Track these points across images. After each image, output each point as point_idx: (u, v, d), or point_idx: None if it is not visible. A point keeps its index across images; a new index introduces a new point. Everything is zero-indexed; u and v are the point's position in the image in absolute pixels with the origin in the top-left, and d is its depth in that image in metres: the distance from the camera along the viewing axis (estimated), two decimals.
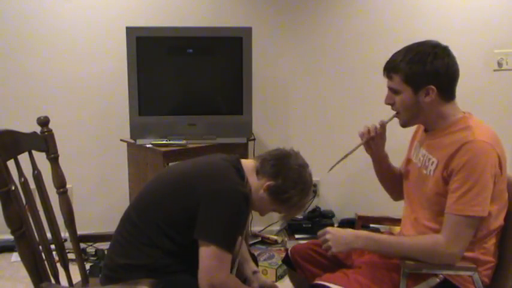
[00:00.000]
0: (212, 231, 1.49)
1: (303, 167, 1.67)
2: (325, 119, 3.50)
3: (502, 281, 1.64)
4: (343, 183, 3.54)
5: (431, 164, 1.65)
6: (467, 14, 3.40)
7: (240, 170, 1.63)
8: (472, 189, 1.51)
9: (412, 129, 1.89)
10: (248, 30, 2.93)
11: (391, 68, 1.66)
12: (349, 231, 1.65)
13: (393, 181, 1.93)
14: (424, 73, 1.60)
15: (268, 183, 1.62)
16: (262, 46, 3.27)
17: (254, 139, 3.18)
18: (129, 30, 2.83)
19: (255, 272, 1.82)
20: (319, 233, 1.67)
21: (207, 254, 1.48)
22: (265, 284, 1.81)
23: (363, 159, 3.45)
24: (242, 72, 2.93)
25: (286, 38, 3.40)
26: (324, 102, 3.48)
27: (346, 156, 1.83)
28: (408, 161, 1.85)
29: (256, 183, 1.64)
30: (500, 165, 1.57)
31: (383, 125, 1.81)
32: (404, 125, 1.73)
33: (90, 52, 3.23)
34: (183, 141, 2.83)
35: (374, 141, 1.83)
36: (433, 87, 1.60)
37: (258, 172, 1.65)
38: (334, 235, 1.61)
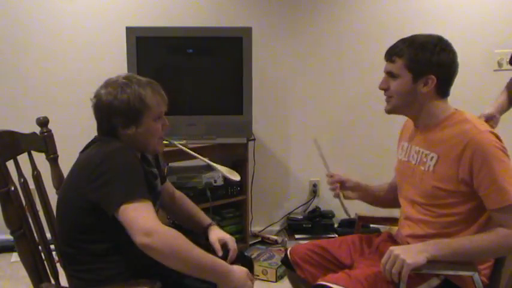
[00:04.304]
0: (115, 196, 1.41)
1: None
2: (325, 118, 3.50)
3: (499, 280, 1.64)
4: None
5: (430, 160, 1.64)
6: (467, 14, 3.40)
7: (105, 140, 1.57)
8: (504, 178, 1.50)
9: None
10: (248, 30, 2.93)
11: (396, 52, 1.65)
12: (413, 244, 1.58)
13: (384, 200, 1.99)
14: (429, 62, 1.60)
15: (123, 131, 1.56)
16: (262, 46, 3.28)
17: (254, 139, 3.18)
18: (129, 30, 2.84)
19: (209, 225, 1.84)
20: (384, 258, 1.51)
21: (126, 215, 1.38)
22: (222, 238, 1.79)
23: (363, 159, 3.46)
24: (242, 72, 2.93)
25: (286, 38, 3.40)
26: (324, 102, 3.48)
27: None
28: (399, 162, 1.85)
29: (128, 134, 1.57)
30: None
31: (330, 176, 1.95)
32: (391, 110, 1.71)
33: (90, 52, 3.24)
34: (183, 141, 2.82)
35: (346, 187, 1.93)
36: (433, 77, 1.61)
37: (117, 131, 1.57)
38: (402, 249, 1.52)
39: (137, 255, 1.39)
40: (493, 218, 1.55)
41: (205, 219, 1.89)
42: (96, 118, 1.63)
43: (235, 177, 2.09)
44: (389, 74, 1.67)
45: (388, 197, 1.97)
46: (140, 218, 1.37)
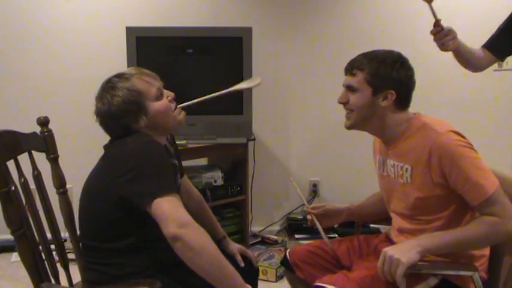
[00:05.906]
0: (148, 190, 1.41)
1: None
2: (325, 118, 3.50)
3: (497, 273, 1.65)
4: (343, 183, 3.54)
5: (406, 171, 1.65)
6: (467, 14, 3.40)
7: (127, 134, 1.58)
8: (475, 173, 1.52)
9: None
10: (248, 30, 2.93)
11: (357, 65, 1.68)
12: (402, 242, 1.60)
13: (375, 212, 2.00)
14: (389, 77, 1.63)
15: (137, 125, 1.58)
16: (262, 46, 3.28)
17: (254, 139, 3.18)
18: (129, 30, 2.84)
19: (224, 238, 1.89)
20: (379, 261, 1.53)
21: (161, 208, 1.39)
22: (241, 248, 1.86)
23: (363, 159, 3.46)
24: (242, 72, 2.93)
25: (286, 38, 3.40)
26: (324, 102, 3.48)
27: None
28: (380, 177, 1.86)
29: (143, 125, 1.58)
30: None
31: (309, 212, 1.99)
32: (351, 125, 1.73)
33: (90, 52, 3.24)
34: (183, 141, 2.83)
35: (326, 217, 1.98)
36: (393, 92, 1.63)
37: (132, 128, 1.58)
38: (395, 248, 1.53)
39: (160, 255, 1.40)
40: (479, 212, 1.56)
41: (220, 230, 1.93)
42: (107, 132, 1.64)
43: (256, 80, 2.03)
44: (349, 88, 1.70)
45: (376, 210, 1.98)
46: (176, 210, 1.38)
